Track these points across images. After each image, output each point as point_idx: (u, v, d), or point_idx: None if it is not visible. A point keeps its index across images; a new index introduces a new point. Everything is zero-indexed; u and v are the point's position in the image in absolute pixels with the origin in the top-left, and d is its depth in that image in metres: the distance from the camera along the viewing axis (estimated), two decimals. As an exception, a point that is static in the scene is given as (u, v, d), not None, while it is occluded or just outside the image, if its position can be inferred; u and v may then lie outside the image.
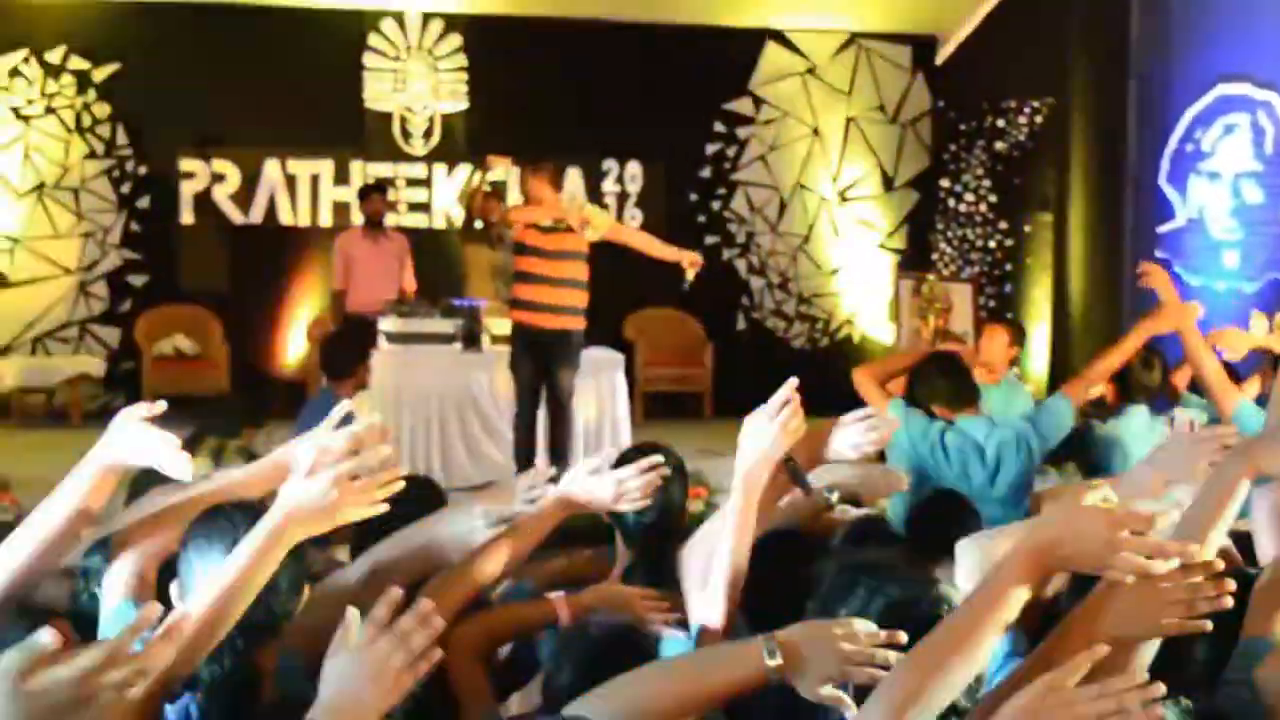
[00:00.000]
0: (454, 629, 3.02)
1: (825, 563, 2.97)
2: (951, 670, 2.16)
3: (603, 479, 3.46)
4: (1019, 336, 8.17)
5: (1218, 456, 3.14)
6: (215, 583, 2.50)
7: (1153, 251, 10.53)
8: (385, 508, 2.63)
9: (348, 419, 2.79)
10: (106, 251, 13.10)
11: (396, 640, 2.18)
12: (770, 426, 2.98)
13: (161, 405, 2.89)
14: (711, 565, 2.99)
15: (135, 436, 2.84)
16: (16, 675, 1.84)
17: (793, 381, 3.03)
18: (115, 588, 2.87)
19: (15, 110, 12.85)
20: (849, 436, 3.35)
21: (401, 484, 2.62)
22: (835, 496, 4.44)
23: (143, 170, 13.15)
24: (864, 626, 2.31)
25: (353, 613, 2.21)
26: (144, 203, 13.18)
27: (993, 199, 13.30)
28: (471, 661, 3.20)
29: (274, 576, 2.59)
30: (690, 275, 9.16)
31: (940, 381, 5.97)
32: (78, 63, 12.92)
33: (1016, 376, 8.30)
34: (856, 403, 6.08)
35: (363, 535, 3.91)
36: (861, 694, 2.28)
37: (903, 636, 2.27)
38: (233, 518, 2.72)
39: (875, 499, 4.73)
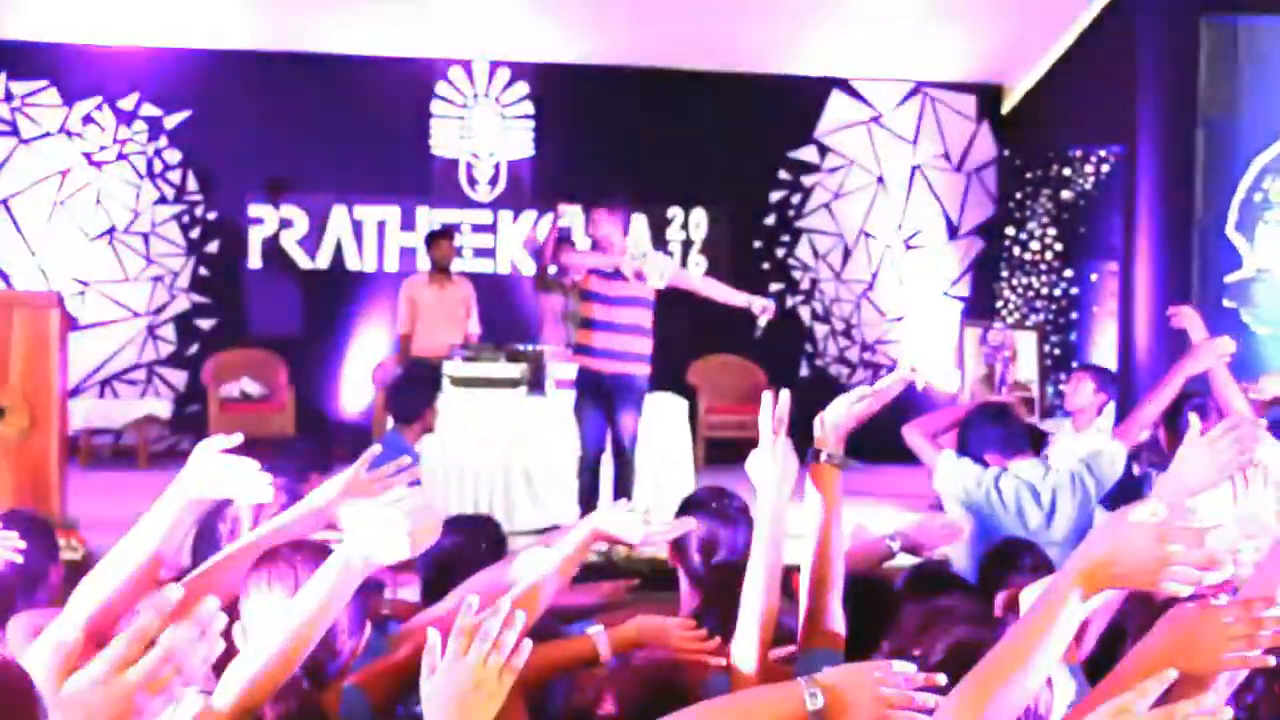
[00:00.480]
0: None
1: (896, 605, 2.98)
2: (1008, 691, 2.16)
3: (634, 521, 3.49)
4: (1106, 382, 8.01)
5: (1241, 453, 3.12)
6: (290, 617, 2.51)
7: (1220, 300, 10.46)
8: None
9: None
10: (175, 295, 13.24)
11: (488, 643, 2.20)
12: (772, 459, 3.02)
13: (238, 438, 2.94)
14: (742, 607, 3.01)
15: (214, 467, 2.89)
16: (51, 683, 1.80)
17: (767, 398, 3.06)
18: None
19: (88, 156, 13.03)
20: (847, 411, 3.38)
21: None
22: (897, 545, 4.46)
23: (212, 215, 13.30)
24: (903, 668, 2.31)
25: (433, 633, 2.23)
26: (213, 247, 13.32)
27: (1058, 247, 13.24)
28: (513, 699, 3.18)
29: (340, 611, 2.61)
30: (762, 321, 9.10)
31: (990, 430, 5.96)
32: (149, 109, 13.11)
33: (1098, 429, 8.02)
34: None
35: (431, 574, 3.94)
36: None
37: (941, 679, 2.27)
38: (292, 559, 2.74)
39: (934, 548, 4.74)
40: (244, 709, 2.43)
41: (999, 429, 5.96)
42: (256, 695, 2.45)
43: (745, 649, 2.95)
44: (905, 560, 4.62)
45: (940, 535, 4.69)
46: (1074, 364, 12.05)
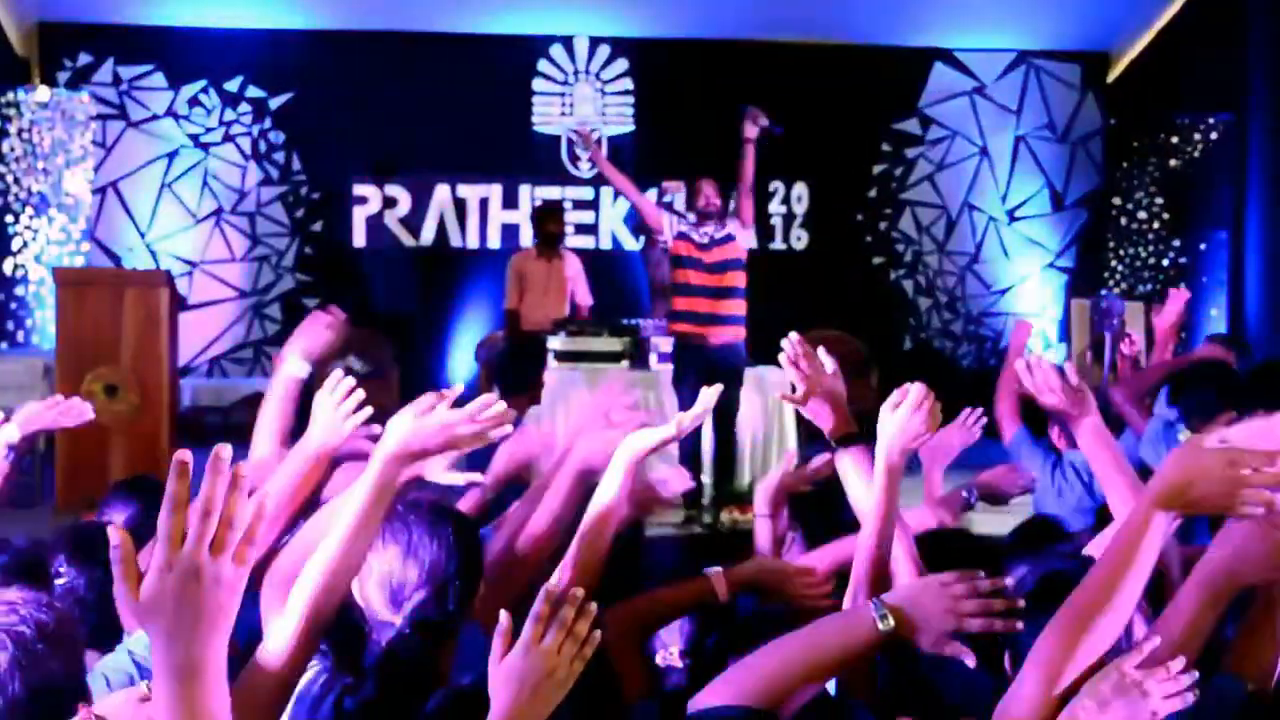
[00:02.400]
0: (610, 611, 3.00)
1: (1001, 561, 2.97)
2: (1098, 623, 2.19)
3: (665, 428, 3.33)
4: (1243, 356, 7.51)
5: None
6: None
7: (1333, 268, 10.27)
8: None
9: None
10: (281, 274, 13.38)
11: (563, 631, 2.24)
12: (904, 416, 2.99)
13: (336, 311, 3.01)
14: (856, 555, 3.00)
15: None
16: (128, 593, 1.72)
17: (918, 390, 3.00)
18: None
19: (195, 138, 13.20)
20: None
21: (510, 429, 2.64)
22: (975, 495, 4.44)
23: (316, 195, 13.43)
24: (970, 576, 2.34)
25: (505, 617, 2.26)
26: (317, 227, 13.45)
27: (1166, 216, 13.07)
28: (630, 644, 3.18)
29: (453, 569, 2.64)
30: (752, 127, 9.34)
31: (1200, 393, 5.61)
32: (255, 91, 13.25)
33: None
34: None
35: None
36: (979, 641, 2.34)
37: (1009, 581, 2.34)
38: (405, 517, 2.74)
39: (1012, 496, 4.70)
40: (312, 623, 2.46)
41: (1209, 394, 5.56)
42: (322, 609, 2.47)
43: (854, 595, 2.95)
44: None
45: (1017, 482, 4.65)
46: (1182, 335, 11.88)
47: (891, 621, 2.32)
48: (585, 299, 11.51)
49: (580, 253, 12.44)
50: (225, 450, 1.73)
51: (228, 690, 1.79)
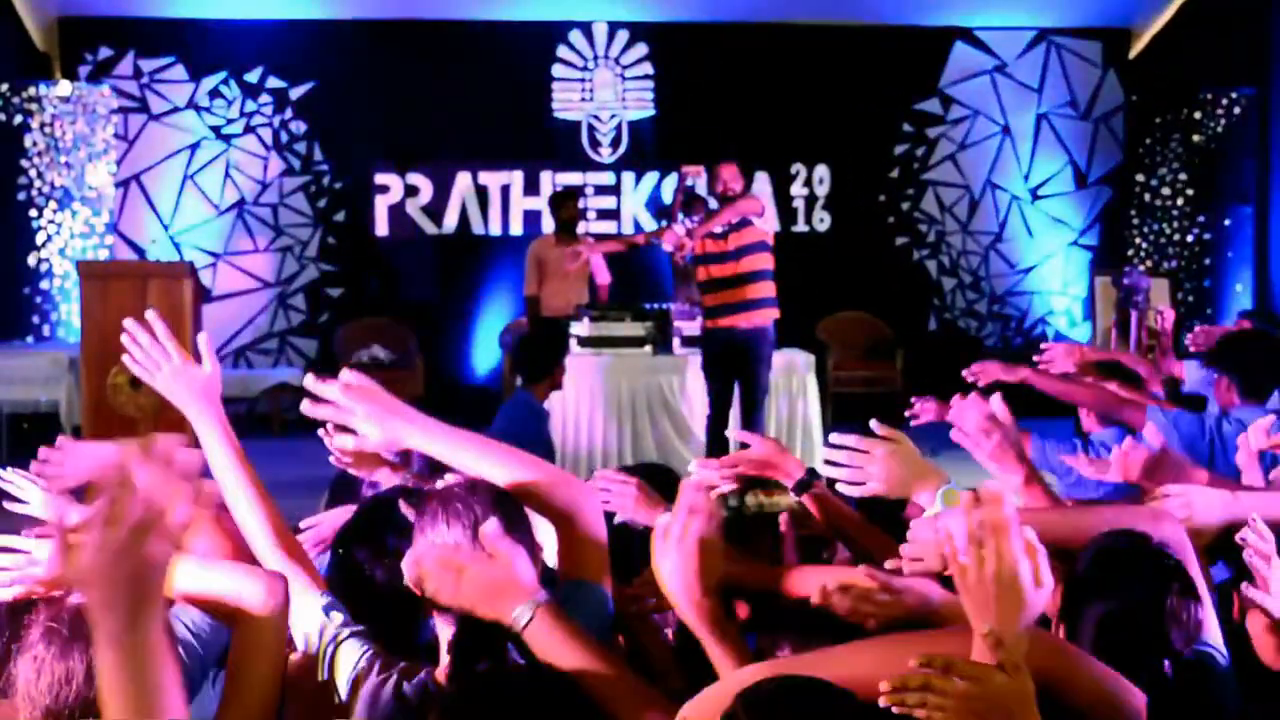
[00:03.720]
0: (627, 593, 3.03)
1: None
2: None
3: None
4: (1267, 327, 7.31)
5: None
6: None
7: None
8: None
9: None
10: (304, 265, 13.40)
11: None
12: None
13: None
14: None
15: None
16: (64, 566, 1.80)
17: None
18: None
19: (216, 129, 13.21)
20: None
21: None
22: None
23: (338, 185, 13.43)
24: None
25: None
26: (340, 216, 13.46)
27: (1190, 192, 13.02)
28: (654, 630, 3.14)
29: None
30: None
31: (1249, 361, 5.39)
32: (275, 82, 13.25)
33: None
34: (1048, 402, 5.87)
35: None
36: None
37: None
38: (465, 499, 2.75)
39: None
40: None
41: (1256, 366, 5.32)
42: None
43: None
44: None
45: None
46: (1208, 310, 11.86)
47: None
48: (604, 277, 11.50)
49: (602, 238, 12.46)
50: (171, 439, 1.82)
51: (172, 662, 1.83)
